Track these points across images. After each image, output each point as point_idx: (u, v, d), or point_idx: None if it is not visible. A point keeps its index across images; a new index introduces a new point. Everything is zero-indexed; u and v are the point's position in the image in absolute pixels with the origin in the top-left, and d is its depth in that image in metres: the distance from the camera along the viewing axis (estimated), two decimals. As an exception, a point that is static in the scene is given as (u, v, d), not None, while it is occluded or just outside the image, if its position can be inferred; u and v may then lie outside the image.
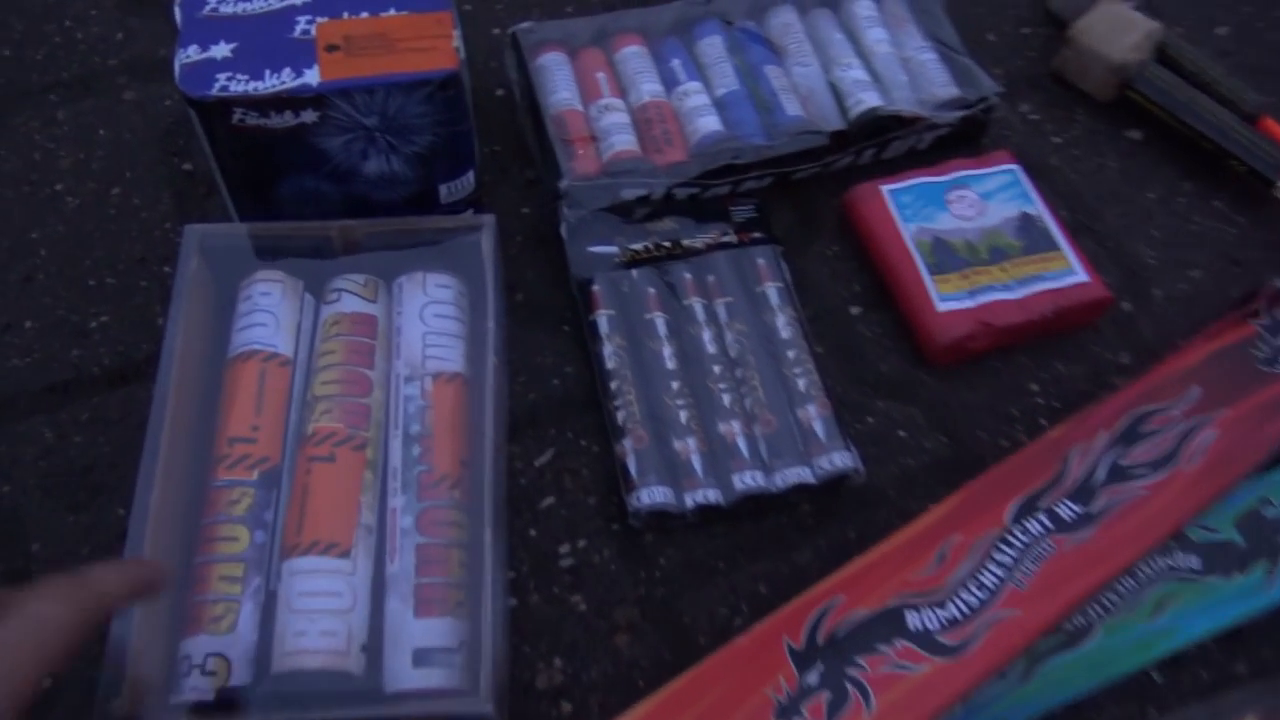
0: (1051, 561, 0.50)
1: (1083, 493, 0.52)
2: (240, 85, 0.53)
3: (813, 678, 0.47)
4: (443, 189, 0.61)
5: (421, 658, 0.46)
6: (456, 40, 0.55)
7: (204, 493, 0.49)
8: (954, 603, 0.49)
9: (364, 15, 0.56)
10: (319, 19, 0.56)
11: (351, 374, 0.52)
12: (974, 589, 0.49)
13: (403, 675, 0.46)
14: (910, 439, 0.59)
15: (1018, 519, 0.51)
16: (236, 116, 0.53)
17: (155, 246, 0.64)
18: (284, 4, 0.56)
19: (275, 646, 0.46)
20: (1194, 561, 0.53)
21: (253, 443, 0.50)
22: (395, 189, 0.59)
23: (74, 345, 0.59)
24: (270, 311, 0.54)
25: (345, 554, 0.48)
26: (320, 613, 0.46)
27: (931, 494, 0.57)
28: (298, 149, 0.56)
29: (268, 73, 0.53)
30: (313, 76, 0.53)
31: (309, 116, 0.54)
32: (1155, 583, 0.52)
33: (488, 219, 0.56)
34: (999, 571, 0.50)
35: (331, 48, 0.54)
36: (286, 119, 0.54)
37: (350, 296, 0.55)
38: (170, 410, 0.49)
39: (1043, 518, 0.52)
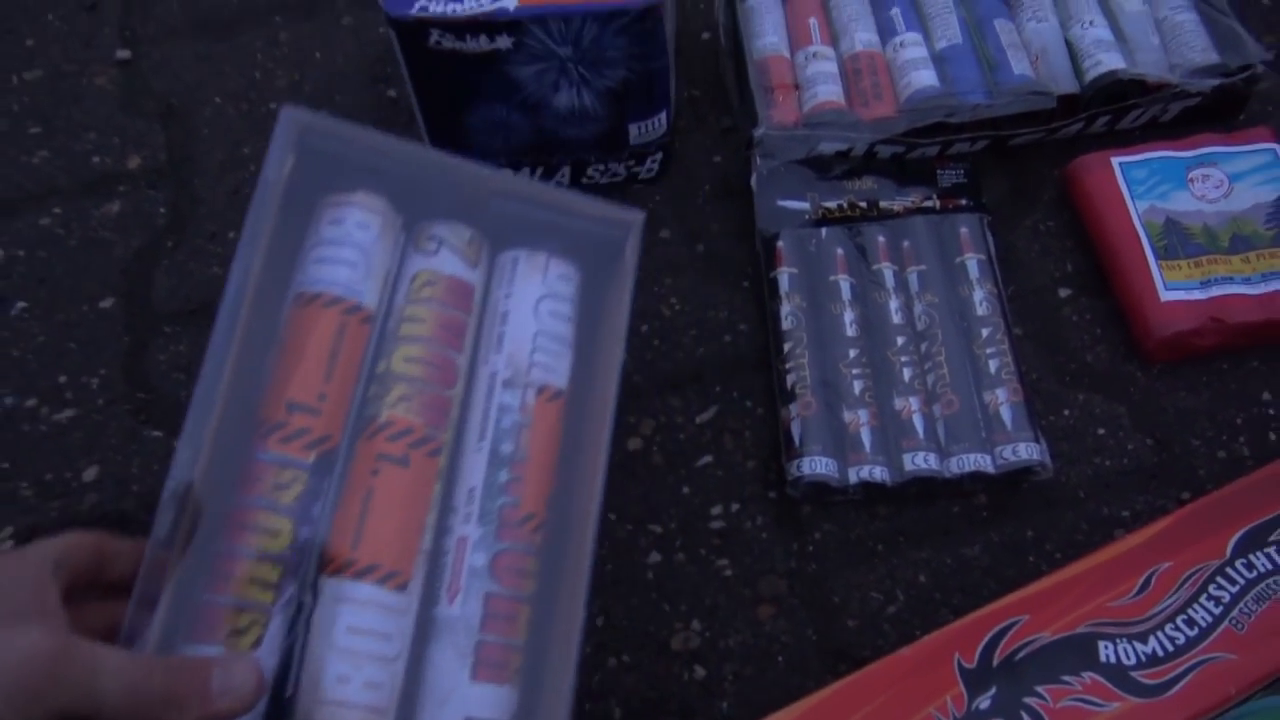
0: (1278, 603, 0.44)
1: (1323, 528, 0.46)
2: (439, 7, 0.52)
3: (984, 702, 0.42)
4: (633, 129, 0.59)
5: None
6: (658, -28, 0.53)
7: (244, 463, 0.39)
8: (1157, 638, 0.43)
9: (566, -57, 0.54)
10: (523, -55, 0.54)
11: (439, 356, 0.43)
12: (1183, 625, 0.43)
13: None
14: (1110, 438, 0.53)
15: (1242, 551, 0.45)
16: (434, 39, 0.53)
17: (354, 168, 0.65)
18: (491, -71, 0.55)
19: (304, 687, 0.37)
20: None
21: (316, 415, 0.40)
22: (584, 125, 0.58)
23: (270, 256, 0.62)
24: (364, 251, 0.43)
25: (403, 587, 0.39)
26: (367, 658, 0.38)
27: (1127, 501, 0.51)
28: (491, 76, 0.55)
29: (467, -4, 0.53)
30: (510, 2, 0.52)
31: (504, 42, 0.53)
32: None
33: (636, 217, 0.45)
34: (1214, 609, 0.44)
35: (532, -26, 0.53)
36: (482, 43, 0.53)
37: (450, 254, 0.44)
38: (234, 354, 0.39)
39: (1273, 553, 0.45)
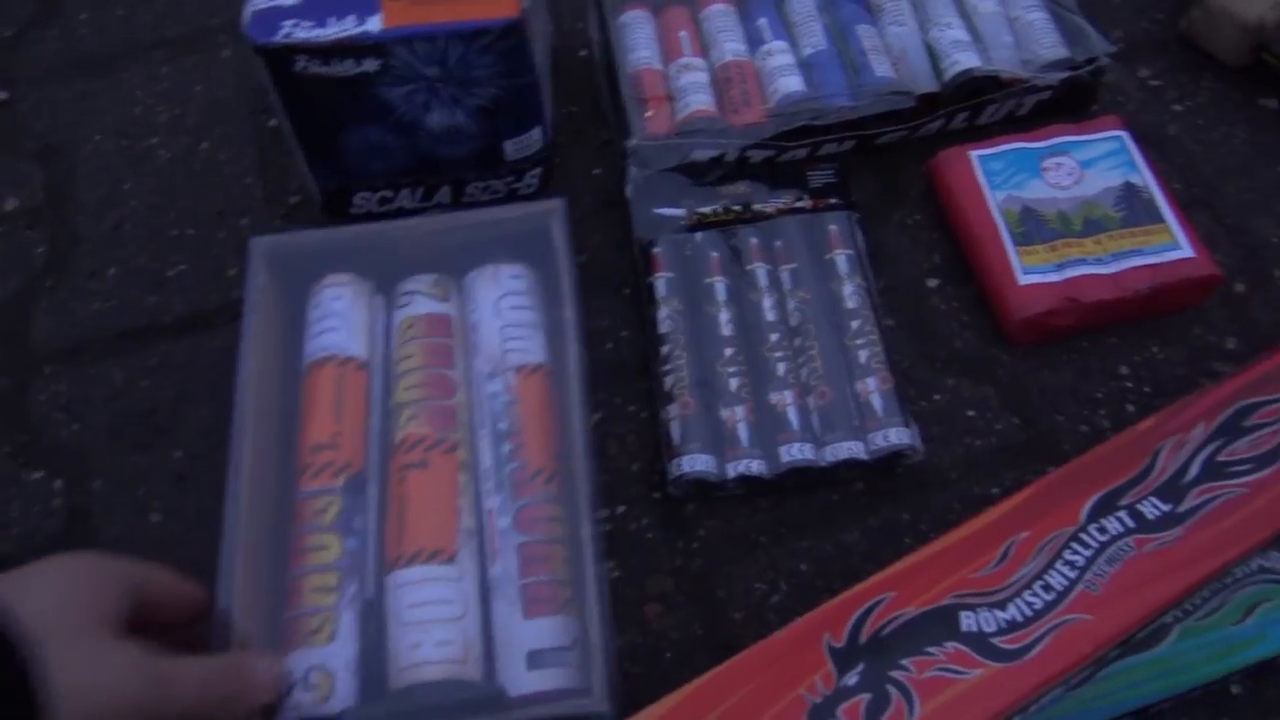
0: (1130, 563, 0.45)
1: (1172, 490, 0.47)
2: (304, 32, 0.53)
3: (852, 678, 0.43)
4: (508, 145, 0.60)
5: (536, 659, 0.44)
6: (519, -10, 0.54)
7: (290, 507, 0.48)
8: (1016, 605, 0.44)
9: (430, -34, 0.55)
10: (387, -31, 0.55)
11: (433, 377, 0.51)
12: (1040, 590, 0.44)
13: (519, 679, 0.44)
14: (979, 419, 0.55)
15: (1095, 516, 0.47)
16: (300, 64, 0.54)
17: (235, 200, 0.65)
18: (354, -45, 0.56)
19: (390, 664, 0.44)
20: (1293, 564, 0.48)
21: (335, 449, 0.49)
22: (460, 143, 0.59)
23: (151, 293, 0.61)
24: (342, 316, 0.53)
25: (451, 559, 0.46)
26: (433, 622, 0.45)
27: (997, 478, 0.53)
28: (361, 99, 0.56)
29: (331, 20, 0.53)
30: (374, 24, 0.53)
31: (370, 65, 0.54)
32: (1244, 585, 0.47)
33: (556, 205, 0.54)
34: (1069, 572, 0.45)
35: (394, -3, 0.54)
36: (348, 67, 0.54)
37: (421, 298, 0.54)
38: (250, 427, 0.48)
39: (1124, 515, 0.47)
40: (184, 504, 0.55)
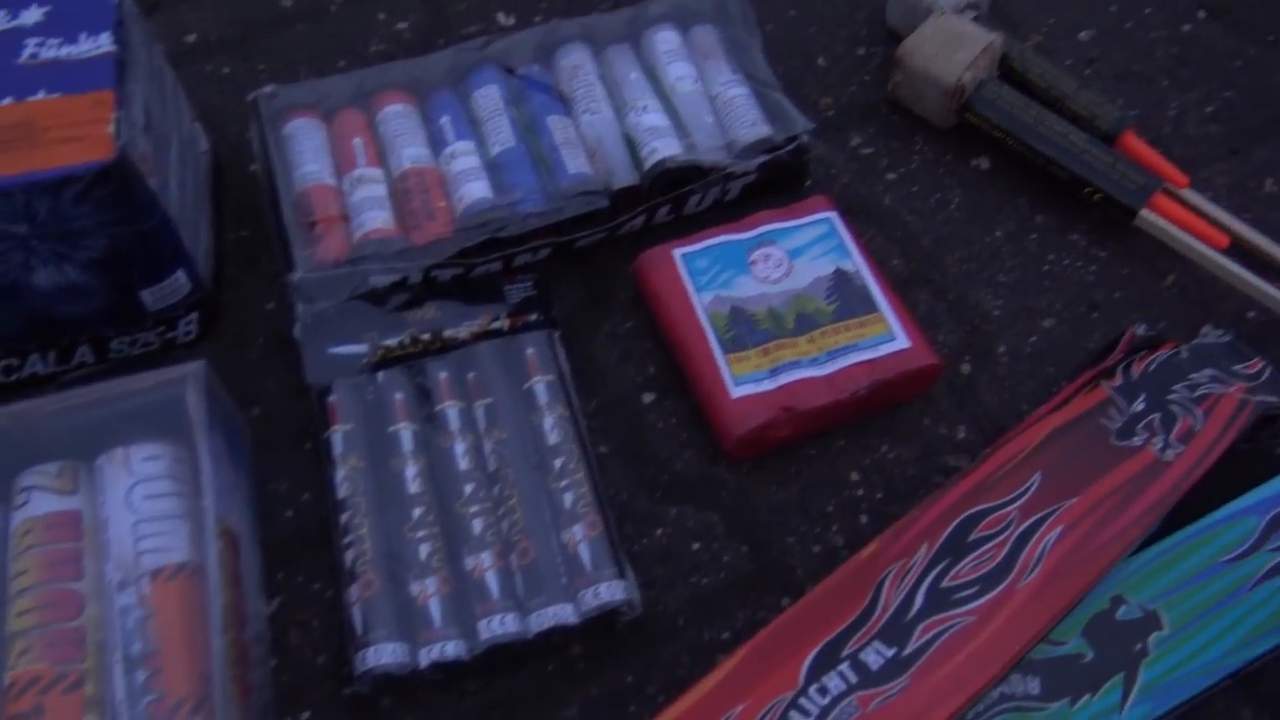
0: (853, 733, 0.41)
1: (895, 630, 0.43)
2: None
3: None
4: (146, 295, 0.52)
5: None
6: (115, 125, 0.46)
7: None
8: None
9: (6, 102, 0.47)
10: (-48, 111, 0.47)
11: (53, 594, 0.43)
12: None
13: None
14: (705, 552, 0.50)
15: (815, 675, 0.42)
16: None
17: None
18: (-85, 96, 0.47)
19: None
20: (1033, 685, 0.44)
21: None
22: (82, 301, 0.50)
23: None
24: None
25: None
26: None
27: (728, 620, 0.48)
28: (-58, 266, 0.47)
29: (-121, 183, 0.44)
30: (-67, 183, 0.44)
31: (-61, 230, 0.45)
32: (985, 719, 0.43)
33: (192, 369, 0.47)
34: None
35: (-40, 145, 0.45)
36: (-86, 234, 0.45)
37: (42, 494, 0.45)
38: None
39: (845, 669, 0.42)
40: None
